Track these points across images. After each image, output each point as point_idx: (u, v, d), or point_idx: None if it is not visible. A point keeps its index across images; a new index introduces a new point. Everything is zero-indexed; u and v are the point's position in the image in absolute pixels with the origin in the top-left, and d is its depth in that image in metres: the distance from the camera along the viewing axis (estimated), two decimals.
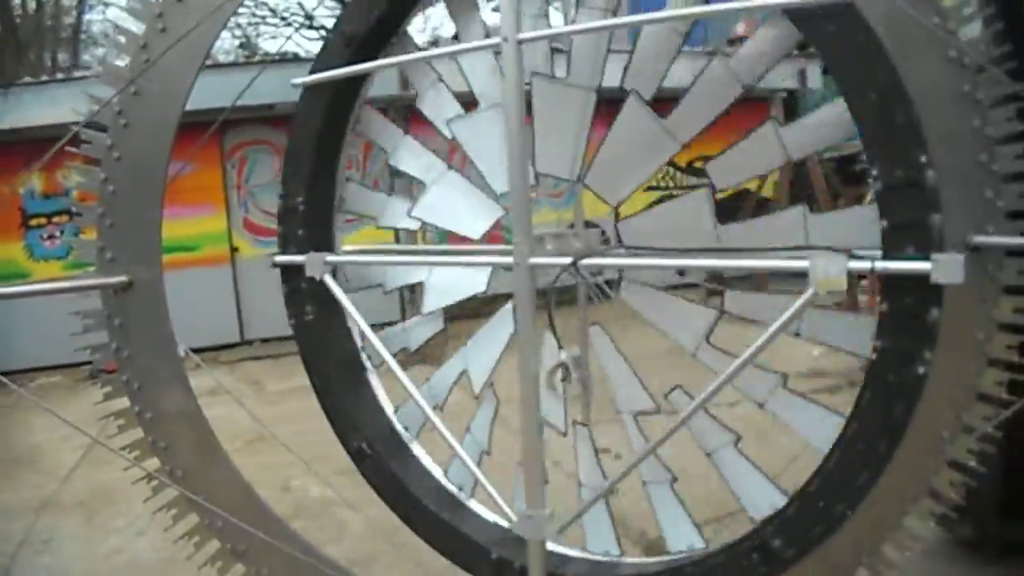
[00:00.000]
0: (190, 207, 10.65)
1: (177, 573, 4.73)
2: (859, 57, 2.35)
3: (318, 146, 2.84)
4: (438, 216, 2.79)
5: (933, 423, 2.63)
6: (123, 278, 2.58)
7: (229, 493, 2.69)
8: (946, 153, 2.49)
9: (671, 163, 13.27)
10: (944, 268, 2.18)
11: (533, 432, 2.48)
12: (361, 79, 2.84)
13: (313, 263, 2.75)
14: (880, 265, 2.26)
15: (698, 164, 13.33)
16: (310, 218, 2.89)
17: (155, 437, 2.72)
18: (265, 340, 11.41)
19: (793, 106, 14.19)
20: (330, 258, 2.79)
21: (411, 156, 2.91)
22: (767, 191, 11.93)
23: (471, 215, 2.69)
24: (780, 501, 2.57)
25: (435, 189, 2.79)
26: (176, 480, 2.71)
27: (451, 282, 2.83)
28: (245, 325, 11.66)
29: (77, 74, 13.70)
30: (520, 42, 2.27)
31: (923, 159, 2.34)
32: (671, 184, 13.58)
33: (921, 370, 2.32)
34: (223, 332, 11.23)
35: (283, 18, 23.42)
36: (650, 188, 13.22)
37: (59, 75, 25.67)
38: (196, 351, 2.86)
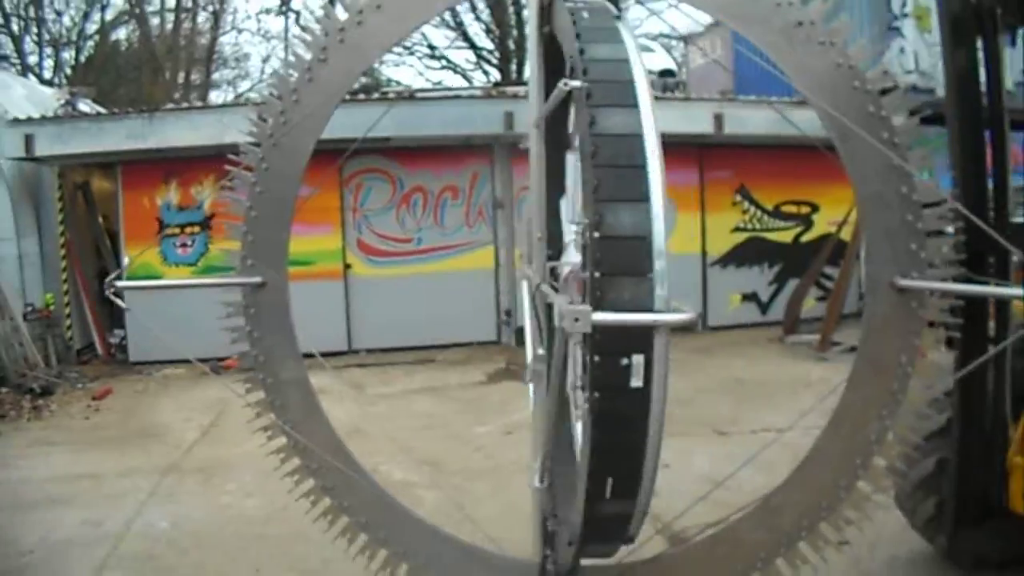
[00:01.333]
0: (310, 225, 11.69)
1: (274, 525, 5.79)
2: None
3: None
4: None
5: (863, 428, 3.39)
6: (258, 279, 3.54)
7: (323, 442, 3.61)
8: (877, 214, 3.27)
9: (758, 205, 13.97)
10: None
11: None
12: None
13: None
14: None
15: (785, 208, 14.06)
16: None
17: (272, 397, 3.65)
18: (370, 350, 12.55)
19: None
20: None
21: None
22: (845, 234, 12.42)
23: None
24: None
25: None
26: (285, 431, 3.65)
27: None
28: (353, 335, 12.73)
29: (213, 103, 15.19)
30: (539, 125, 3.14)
31: None
32: (758, 226, 14.17)
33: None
34: (333, 340, 12.13)
35: (406, 47, 24.90)
36: (738, 229, 14.03)
37: (195, 96, 27.90)
38: (306, 356, 3.65)
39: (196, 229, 12.66)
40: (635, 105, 2.48)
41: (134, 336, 12.58)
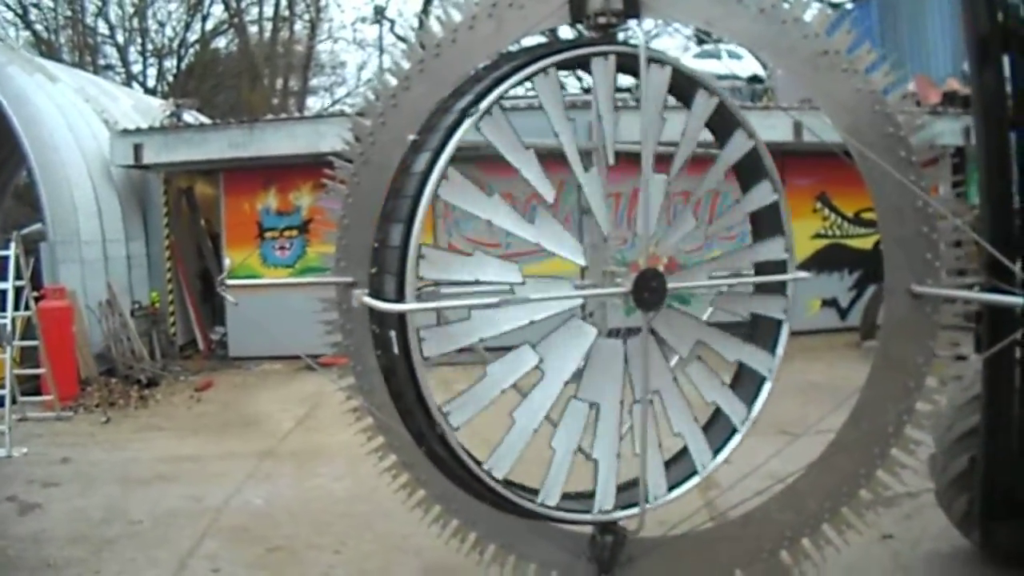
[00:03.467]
0: None
1: (360, 504, 6.37)
2: None
3: None
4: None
5: (881, 421, 3.75)
6: (350, 278, 4.08)
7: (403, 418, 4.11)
8: (895, 225, 3.64)
9: (838, 212, 14.07)
10: None
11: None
12: None
13: None
14: None
15: (865, 215, 14.10)
16: None
17: (362, 383, 4.19)
18: (460, 350, 12.99)
19: (961, 163, 14.49)
20: None
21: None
22: None
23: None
24: None
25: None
26: (371, 413, 4.18)
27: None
28: None
29: (309, 112, 15.97)
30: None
31: None
32: (838, 233, 14.30)
33: None
34: None
35: None
36: (818, 236, 14.18)
37: (292, 102, 28.86)
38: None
39: (294, 233, 13.43)
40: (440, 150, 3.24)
41: (234, 332, 13.40)
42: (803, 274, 3.75)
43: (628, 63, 3.46)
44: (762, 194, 3.65)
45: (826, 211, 14.16)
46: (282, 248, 13.49)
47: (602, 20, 3.61)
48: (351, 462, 7.28)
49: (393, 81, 3.90)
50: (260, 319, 12.63)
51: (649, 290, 3.47)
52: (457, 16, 3.72)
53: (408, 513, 4.13)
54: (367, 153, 3.99)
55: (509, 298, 3.41)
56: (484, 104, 3.29)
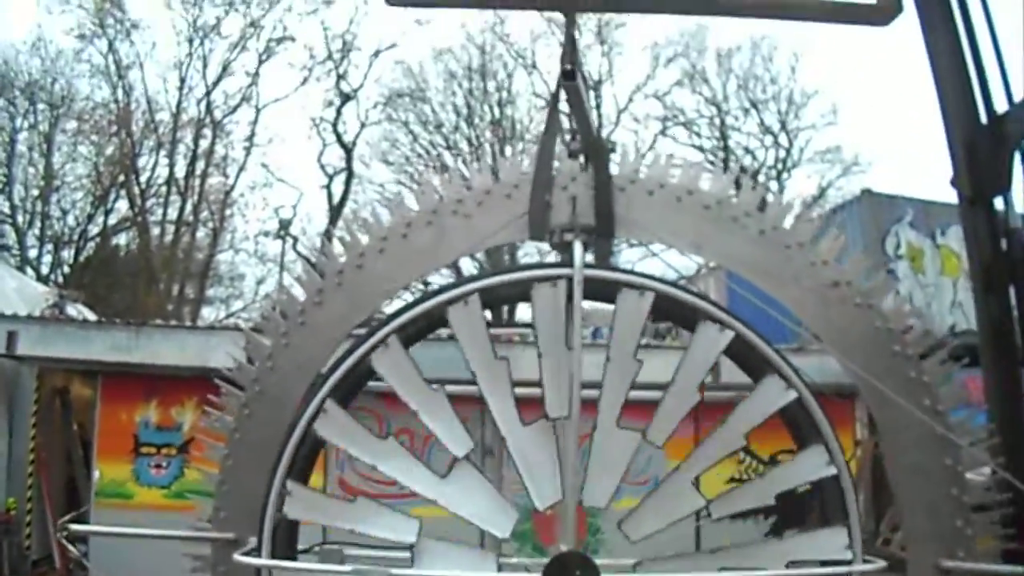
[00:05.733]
0: None
1: None
2: None
3: None
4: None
5: None
6: (230, 535, 3.18)
7: None
8: (917, 487, 2.98)
9: (753, 455, 13.60)
10: None
11: None
12: None
13: None
14: None
15: (781, 457, 13.56)
16: None
17: None
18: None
19: None
20: None
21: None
22: None
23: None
24: None
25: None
26: None
27: None
28: None
29: (202, 322, 15.17)
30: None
31: None
32: (754, 476, 13.75)
33: None
34: None
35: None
36: (732, 480, 13.51)
37: (186, 310, 28.00)
38: None
39: (173, 451, 12.09)
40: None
41: (97, 553, 11.64)
42: (869, 567, 2.94)
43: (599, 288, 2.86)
44: (812, 464, 2.95)
45: (741, 454, 13.67)
46: (158, 467, 12.11)
47: (567, 237, 3.02)
48: None
49: (301, 296, 3.21)
50: (127, 543, 11.22)
51: None
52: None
53: None
54: (262, 380, 3.21)
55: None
56: (377, 336, 2.95)
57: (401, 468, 3.00)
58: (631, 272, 3.07)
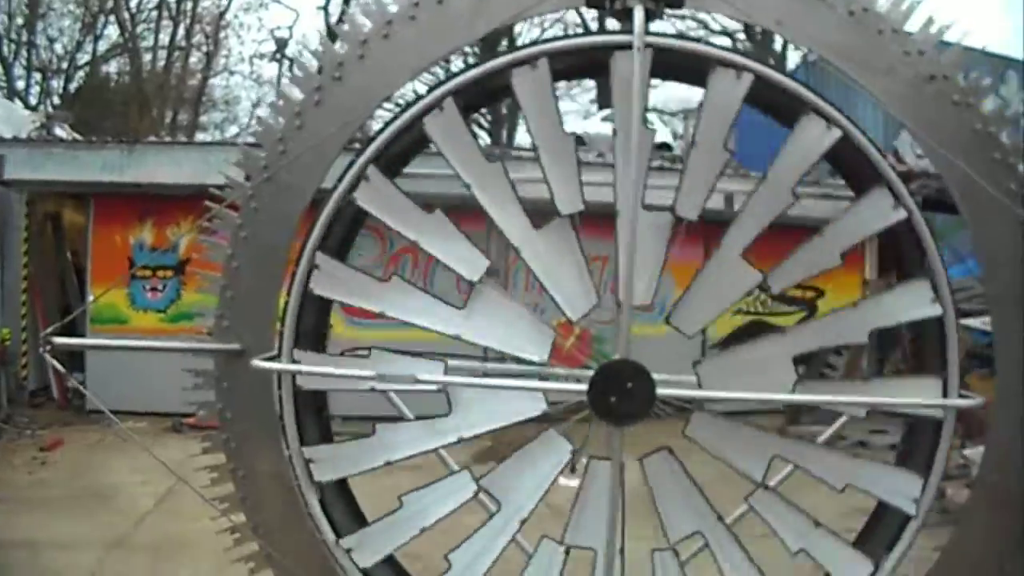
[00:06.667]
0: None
1: None
2: None
3: None
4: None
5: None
6: (236, 346, 2.84)
7: (306, 554, 2.88)
8: (1007, 313, 2.64)
9: (762, 288, 13.34)
10: None
11: None
12: None
13: None
14: None
15: (790, 292, 13.40)
16: None
17: (245, 493, 2.93)
18: (346, 418, 11.71)
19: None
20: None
21: None
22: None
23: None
24: None
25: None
26: (259, 535, 2.92)
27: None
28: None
29: (200, 139, 14.57)
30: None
31: None
32: (761, 309, 13.57)
33: None
34: None
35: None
36: (739, 311, 13.33)
37: (181, 136, 27.32)
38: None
39: (169, 273, 11.88)
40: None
41: (94, 381, 11.64)
42: (967, 402, 2.61)
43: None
44: (914, 300, 2.60)
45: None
46: (154, 290, 11.91)
47: (629, 2, 2.54)
48: (221, 564, 5.87)
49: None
50: (123, 368, 11.12)
51: (620, 394, 2.49)
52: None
53: None
54: (272, 167, 2.80)
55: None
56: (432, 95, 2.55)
57: (411, 308, 2.70)
58: (720, 48, 2.60)
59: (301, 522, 2.87)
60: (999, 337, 2.66)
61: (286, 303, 2.71)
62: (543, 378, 2.76)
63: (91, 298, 11.66)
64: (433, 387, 2.65)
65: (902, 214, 2.54)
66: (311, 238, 2.65)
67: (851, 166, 2.71)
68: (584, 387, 2.52)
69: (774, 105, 2.68)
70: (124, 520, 7.15)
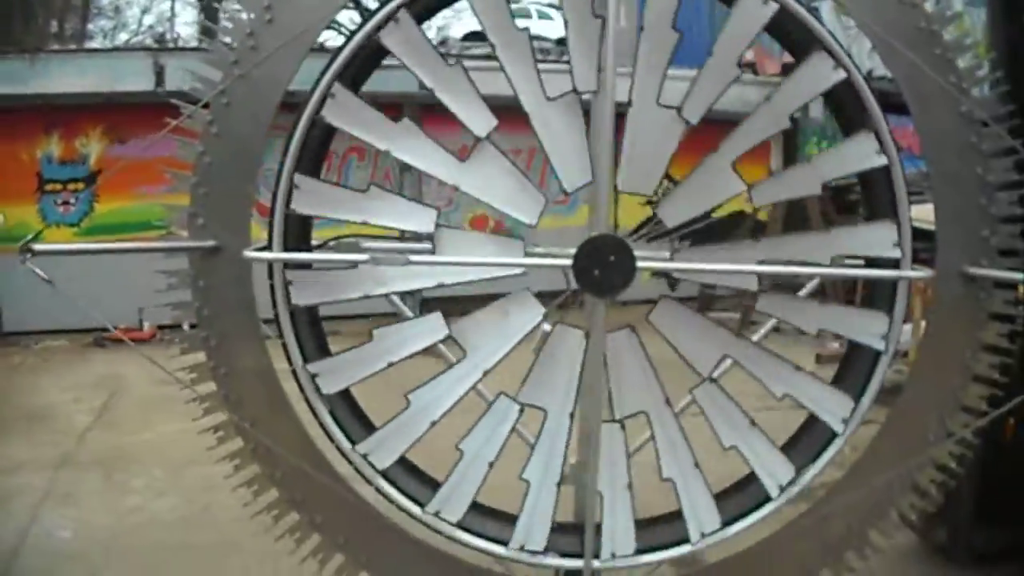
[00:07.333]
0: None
1: (198, 532, 5.06)
2: None
3: None
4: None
5: (920, 426, 3.00)
6: (212, 243, 2.85)
7: (293, 445, 2.97)
8: (949, 194, 2.87)
9: (671, 179, 13.61)
10: None
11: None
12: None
13: None
14: None
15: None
16: None
17: (227, 391, 2.98)
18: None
19: (792, 134, 14.55)
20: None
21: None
22: (762, 214, 12.27)
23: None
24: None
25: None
26: (243, 431, 2.98)
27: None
28: None
29: (104, 46, 13.84)
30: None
31: None
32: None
33: None
34: None
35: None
36: (649, 202, 13.57)
37: (87, 44, 25.73)
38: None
39: (80, 186, 11.45)
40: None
41: (8, 302, 11.33)
42: (917, 273, 2.79)
43: None
44: (861, 152, 2.73)
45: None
46: (66, 204, 11.48)
47: None
48: (170, 471, 5.96)
49: None
50: (38, 287, 10.72)
51: (603, 267, 2.63)
52: None
53: (265, 544, 3.02)
54: (243, 63, 2.77)
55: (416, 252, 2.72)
56: (386, 9, 2.58)
57: (418, 150, 2.68)
58: None
59: (286, 413, 2.95)
60: (940, 216, 2.89)
61: (273, 196, 2.72)
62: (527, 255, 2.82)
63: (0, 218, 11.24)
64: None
65: (841, 75, 2.66)
66: (288, 157, 2.68)
67: (843, 104, 2.82)
68: (569, 261, 2.63)
69: (786, 35, 2.78)
70: (65, 439, 7.08)
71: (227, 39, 2.82)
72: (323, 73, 2.64)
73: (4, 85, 10.40)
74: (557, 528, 2.92)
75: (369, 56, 2.74)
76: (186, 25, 28.89)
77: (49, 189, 11.45)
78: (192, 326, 2.97)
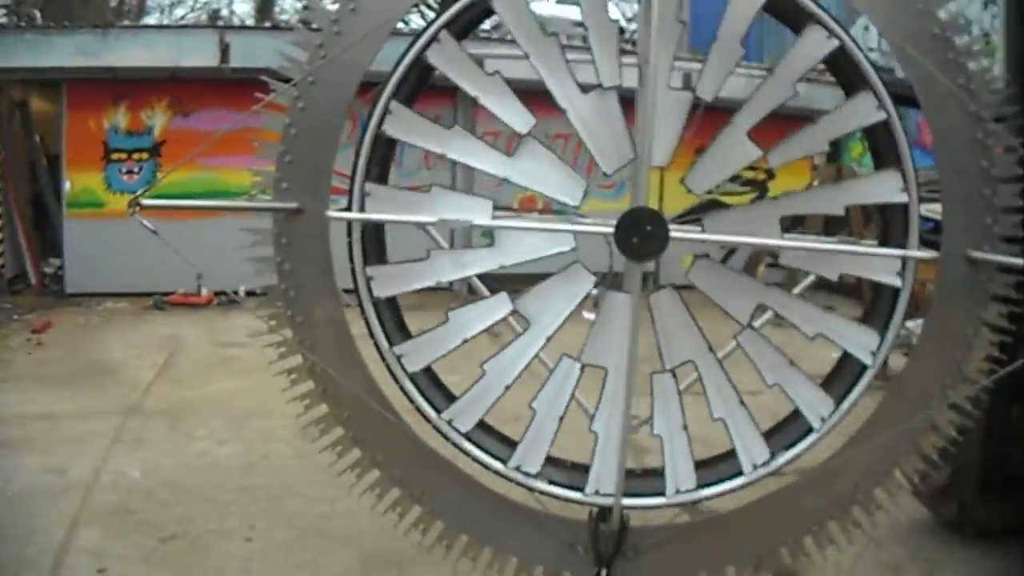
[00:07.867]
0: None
1: (258, 476, 5.49)
2: None
3: None
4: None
5: (925, 395, 3.30)
6: (295, 204, 3.24)
7: (359, 386, 3.34)
8: (956, 184, 3.17)
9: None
10: None
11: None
12: None
13: None
14: None
15: (746, 173, 13.88)
16: None
17: (302, 337, 3.37)
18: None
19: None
20: None
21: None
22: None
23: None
24: None
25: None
26: (316, 375, 3.36)
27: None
28: None
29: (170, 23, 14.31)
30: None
31: None
32: (714, 189, 14.09)
33: None
34: None
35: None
36: None
37: (145, 20, 26.33)
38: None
39: (144, 155, 11.96)
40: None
41: (72, 266, 11.92)
42: (923, 253, 3.12)
43: None
44: (862, 110, 3.04)
45: None
46: (130, 172, 11.99)
47: None
48: (231, 422, 6.43)
49: None
50: (101, 251, 11.34)
51: (641, 235, 2.98)
52: None
53: (320, 489, 3.38)
54: (328, 44, 3.15)
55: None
56: (428, 32, 2.99)
57: (469, 150, 3.04)
58: None
59: (354, 357, 3.33)
60: (946, 204, 3.19)
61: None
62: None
63: (67, 185, 11.80)
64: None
65: (835, 43, 2.97)
66: (358, 168, 3.10)
67: (842, 69, 3.14)
68: (611, 229, 2.98)
69: (784, 12, 3.08)
70: (132, 390, 7.50)
71: (314, 24, 3.20)
72: (379, 93, 3.03)
73: (76, 57, 10.95)
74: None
75: (419, 73, 3.13)
76: (243, 2, 29.44)
77: (115, 158, 11.94)
78: (249, 293, 3.34)
